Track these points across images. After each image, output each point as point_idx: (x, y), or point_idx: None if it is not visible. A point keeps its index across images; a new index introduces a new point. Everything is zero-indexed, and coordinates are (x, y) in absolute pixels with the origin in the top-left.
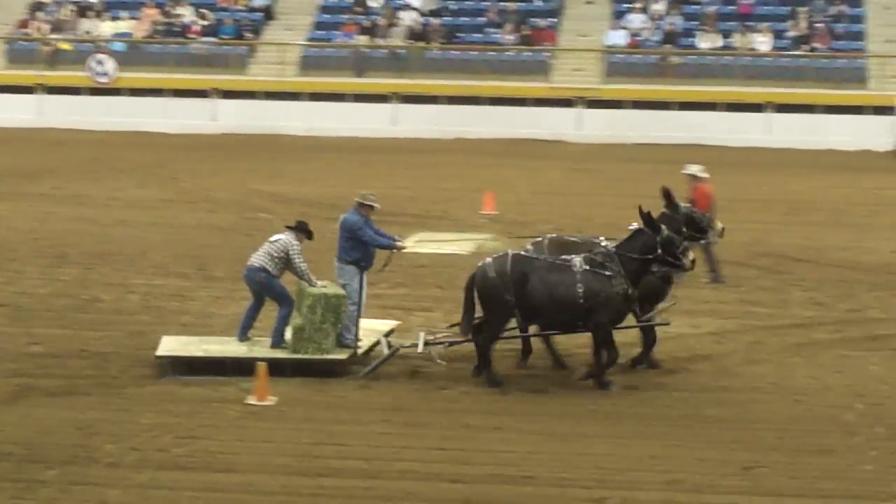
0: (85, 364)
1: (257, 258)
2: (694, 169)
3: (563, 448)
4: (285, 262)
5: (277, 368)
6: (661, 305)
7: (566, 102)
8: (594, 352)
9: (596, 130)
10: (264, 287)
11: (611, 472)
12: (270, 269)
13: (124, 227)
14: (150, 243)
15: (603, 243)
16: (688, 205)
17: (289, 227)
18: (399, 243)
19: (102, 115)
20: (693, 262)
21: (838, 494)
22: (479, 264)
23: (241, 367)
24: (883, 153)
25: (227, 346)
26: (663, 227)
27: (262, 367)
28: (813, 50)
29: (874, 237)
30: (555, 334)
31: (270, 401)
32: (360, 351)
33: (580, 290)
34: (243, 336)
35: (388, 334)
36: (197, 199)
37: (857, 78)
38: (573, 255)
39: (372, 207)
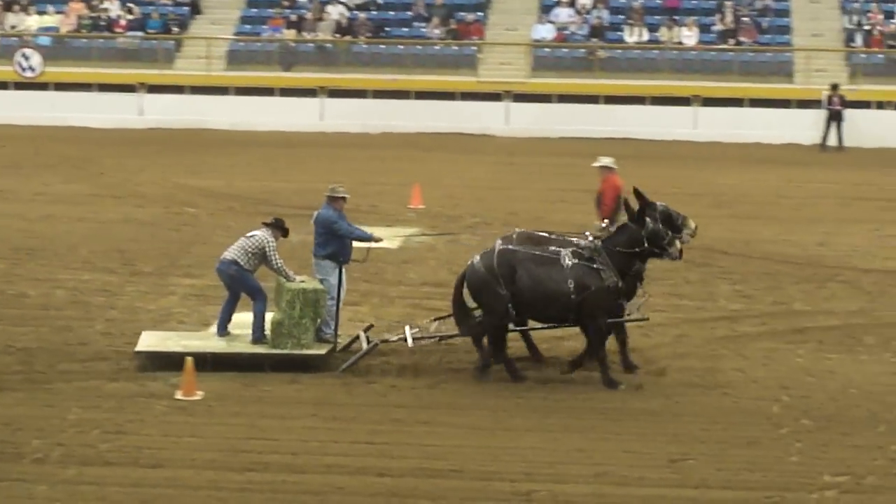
0: (11, 360)
1: (231, 252)
2: (605, 161)
3: (491, 441)
4: (260, 258)
5: (256, 364)
6: (632, 302)
7: (494, 96)
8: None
9: (523, 124)
10: (235, 280)
11: (538, 465)
12: (242, 263)
13: (51, 222)
14: (77, 238)
15: (589, 238)
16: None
17: (265, 224)
18: (376, 235)
19: (28, 110)
20: (681, 251)
21: (764, 486)
22: (469, 262)
23: (220, 362)
24: (809, 147)
25: (207, 342)
26: (648, 220)
27: (188, 363)
28: (739, 44)
29: (801, 230)
30: (543, 329)
31: (198, 396)
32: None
33: (570, 285)
34: (223, 331)
35: (366, 329)
36: (124, 193)
37: (784, 72)
38: (560, 249)
39: (344, 199)
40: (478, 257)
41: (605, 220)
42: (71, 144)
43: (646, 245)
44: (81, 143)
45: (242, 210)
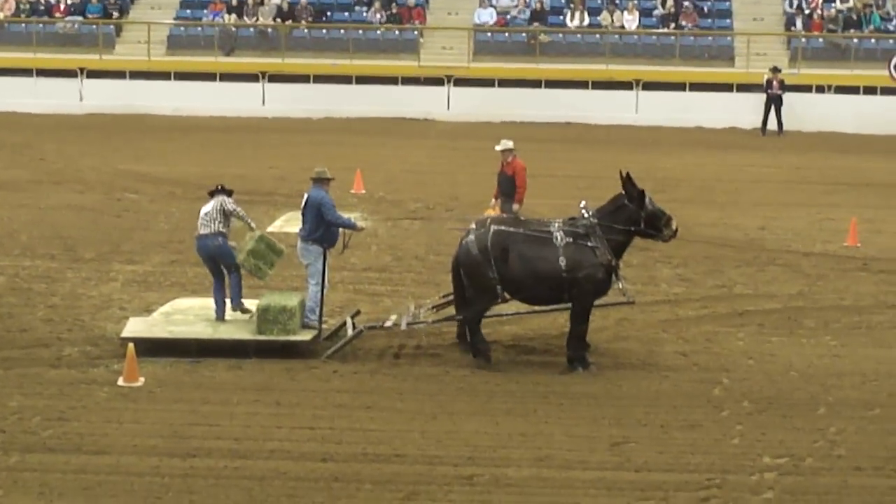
0: None
1: (204, 227)
2: (508, 144)
3: (434, 426)
4: (225, 216)
5: (241, 350)
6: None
7: (436, 81)
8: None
9: (465, 109)
10: (221, 251)
11: (481, 449)
12: (222, 230)
13: None
14: (18, 224)
15: (584, 214)
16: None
17: (211, 193)
18: (360, 224)
19: None
20: (676, 231)
21: (706, 468)
22: (462, 241)
23: (206, 349)
24: (750, 131)
25: (193, 328)
26: (647, 199)
27: (130, 349)
28: (680, 28)
29: (741, 214)
30: (541, 311)
31: (140, 382)
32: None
33: (562, 263)
34: (223, 315)
35: (354, 315)
36: (64, 179)
37: (725, 56)
38: (552, 228)
39: (330, 180)
40: (472, 237)
41: (517, 205)
42: (11, 130)
43: (642, 226)
44: (21, 129)
45: (184, 196)
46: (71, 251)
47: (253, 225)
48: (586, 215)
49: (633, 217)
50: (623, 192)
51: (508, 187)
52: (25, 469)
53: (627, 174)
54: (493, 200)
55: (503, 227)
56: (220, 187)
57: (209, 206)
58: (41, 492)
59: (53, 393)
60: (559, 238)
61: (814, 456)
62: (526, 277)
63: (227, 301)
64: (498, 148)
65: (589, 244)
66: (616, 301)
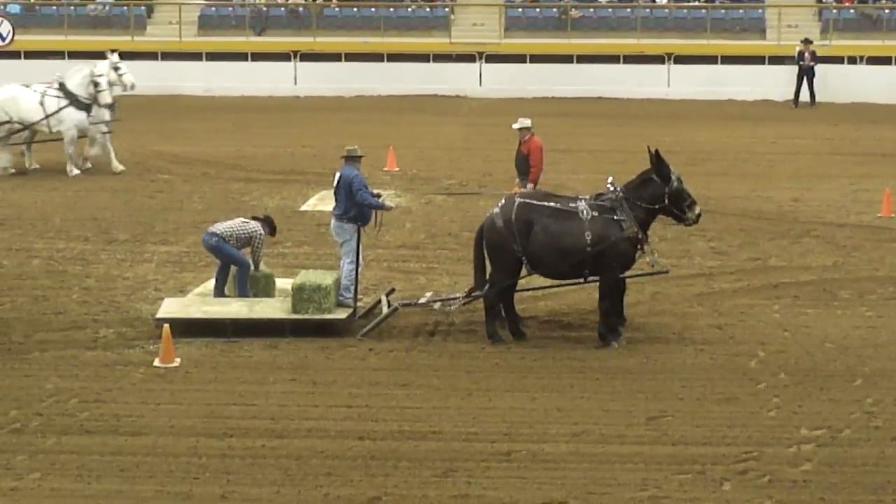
0: None
1: (219, 227)
2: (525, 122)
3: (470, 403)
4: (245, 242)
5: (277, 329)
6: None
7: (467, 57)
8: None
9: (496, 85)
10: (215, 250)
11: (517, 425)
12: (225, 237)
13: (24, 191)
14: (51, 207)
15: (611, 189)
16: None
17: (255, 218)
18: (388, 203)
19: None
20: (699, 215)
21: (742, 441)
22: (487, 214)
23: (241, 329)
24: (782, 103)
25: (228, 308)
26: (674, 177)
27: (166, 329)
28: (711, 1)
29: (774, 186)
30: (563, 285)
31: (176, 363)
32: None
33: (588, 237)
34: (220, 295)
35: (388, 293)
36: (97, 161)
37: (756, 28)
38: (579, 201)
39: (360, 158)
40: (497, 210)
41: (533, 184)
42: None
43: (666, 202)
44: None
45: (217, 176)
46: (105, 233)
47: (261, 268)
48: (612, 189)
49: (657, 193)
50: (651, 168)
51: (524, 166)
52: (63, 451)
53: (657, 151)
54: (517, 179)
55: (528, 201)
56: (266, 217)
57: (249, 226)
58: (79, 474)
59: (89, 375)
60: (585, 212)
61: (851, 427)
62: (550, 251)
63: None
64: (514, 126)
65: (615, 217)
66: (650, 272)
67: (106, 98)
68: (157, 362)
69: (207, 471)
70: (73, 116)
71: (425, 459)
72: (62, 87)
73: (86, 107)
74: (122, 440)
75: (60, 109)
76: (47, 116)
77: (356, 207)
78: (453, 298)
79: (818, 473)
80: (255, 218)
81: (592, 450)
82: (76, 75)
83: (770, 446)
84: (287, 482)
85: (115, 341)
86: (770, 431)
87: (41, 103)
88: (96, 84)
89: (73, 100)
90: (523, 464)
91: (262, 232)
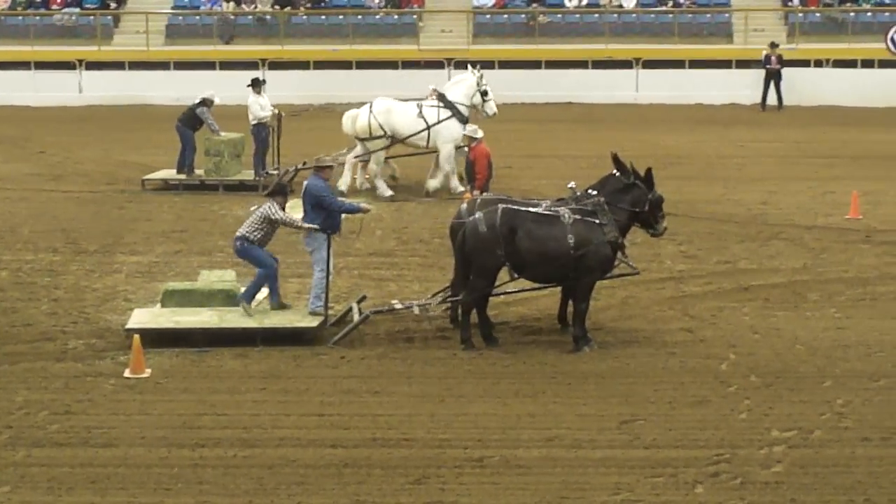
0: None
1: (241, 228)
2: (470, 130)
3: (442, 409)
4: (268, 224)
5: (247, 338)
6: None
7: (436, 64)
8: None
9: None
10: (242, 254)
11: (490, 431)
12: (249, 236)
13: None
14: (19, 219)
15: (592, 193)
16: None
17: (267, 195)
18: (365, 206)
19: None
20: (665, 228)
21: (715, 444)
22: (469, 219)
23: (212, 338)
24: (749, 106)
25: (199, 317)
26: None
27: (136, 340)
28: (678, 6)
29: (743, 189)
30: (542, 288)
31: (146, 373)
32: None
33: (570, 241)
34: (276, 302)
35: (360, 301)
36: (65, 172)
37: (723, 32)
38: (561, 206)
39: (331, 168)
40: (480, 214)
41: (479, 191)
42: (10, 124)
43: (646, 208)
44: (21, 122)
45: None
46: (74, 244)
47: (297, 222)
48: (593, 193)
49: (639, 198)
50: (614, 174)
51: (471, 172)
52: (33, 464)
53: (615, 155)
54: (468, 186)
55: (511, 206)
56: (276, 187)
57: (259, 210)
58: (49, 486)
59: (59, 387)
60: (567, 216)
61: (822, 428)
62: (534, 255)
63: (273, 291)
64: (464, 132)
65: (597, 221)
66: (622, 273)
67: (492, 107)
68: (127, 373)
69: (179, 481)
70: (454, 129)
71: (398, 467)
72: (442, 97)
73: (465, 119)
74: (92, 452)
75: (441, 122)
76: (428, 128)
77: (323, 216)
78: (426, 304)
79: (789, 475)
80: (267, 195)
81: (565, 454)
82: (457, 86)
83: (742, 448)
84: (260, 492)
85: (85, 353)
86: (741, 433)
87: (420, 115)
88: (484, 94)
89: (455, 112)
90: (496, 469)
91: (272, 203)
